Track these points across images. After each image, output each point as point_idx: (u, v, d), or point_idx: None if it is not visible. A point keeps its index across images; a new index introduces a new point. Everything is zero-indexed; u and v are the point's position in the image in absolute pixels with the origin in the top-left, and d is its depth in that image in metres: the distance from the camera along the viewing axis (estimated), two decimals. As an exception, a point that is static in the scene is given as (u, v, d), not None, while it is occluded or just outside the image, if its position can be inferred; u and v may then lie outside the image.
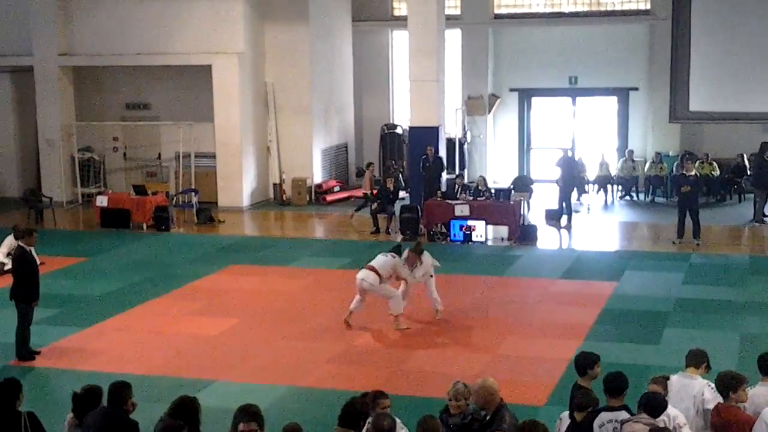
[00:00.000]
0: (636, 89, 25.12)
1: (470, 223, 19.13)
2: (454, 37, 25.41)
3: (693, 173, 18.84)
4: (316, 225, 22.47)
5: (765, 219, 20.55)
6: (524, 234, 19.19)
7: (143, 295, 15.36)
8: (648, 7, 24.95)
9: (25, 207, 22.54)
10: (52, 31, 23.86)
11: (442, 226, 19.45)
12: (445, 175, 21.53)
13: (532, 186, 22.34)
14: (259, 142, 24.02)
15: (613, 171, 24.13)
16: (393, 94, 27.20)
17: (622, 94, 25.35)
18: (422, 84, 20.91)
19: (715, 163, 23.38)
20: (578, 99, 25.89)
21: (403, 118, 26.16)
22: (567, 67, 25.39)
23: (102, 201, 21.40)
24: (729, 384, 7.17)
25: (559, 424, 7.33)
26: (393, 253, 13.48)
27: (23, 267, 12.29)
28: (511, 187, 21.87)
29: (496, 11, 26.06)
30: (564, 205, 20.80)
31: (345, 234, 20.93)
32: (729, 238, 19.57)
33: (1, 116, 25.49)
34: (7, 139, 25.50)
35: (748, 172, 22.77)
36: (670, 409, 7.04)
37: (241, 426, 6.51)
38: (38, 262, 12.73)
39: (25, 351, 12.27)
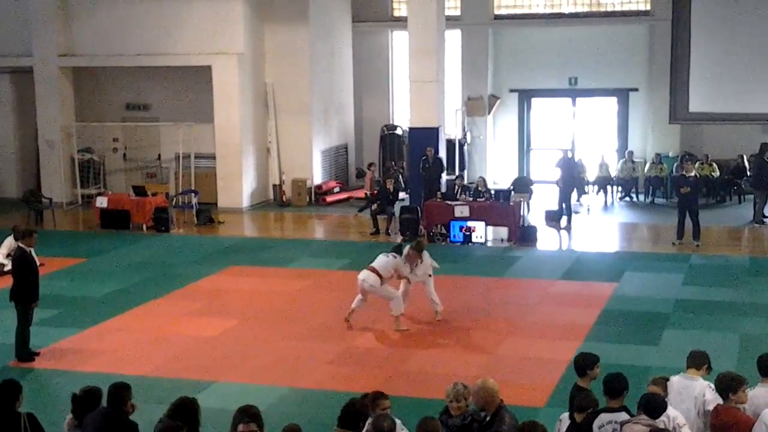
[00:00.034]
0: (636, 90, 25.12)
1: (470, 224, 19.13)
2: (454, 38, 25.41)
3: (693, 174, 18.84)
4: (315, 226, 22.47)
5: (765, 220, 20.56)
6: (524, 235, 19.19)
7: (143, 296, 15.36)
8: (648, 7, 24.96)
9: (24, 208, 22.53)
10: (52, 31, 23.87)
11: (442, 227, 19.45)
12: (444, 176, 21.53)
13: (531, 187, 22.36)
14: (259, 142, 24.02)
15: (613, 172, 24.13)
16: (393, 95, 27.20)
17: (622, 95, 25.35)
18: (422, 85, 20.92)
19: (714, 164, 23.37)
20: (578, 100, 25.89)
21: (403, 119, 26.16)
22: (567, 68, 25.39)
23: (102, 202, 21.40)
24: (728, 385, 7.17)
25: (559, 425, 7.33)
26: (394, 253, 13.48)
27: (23, 268, 12.29)
28: (511, 188, 21.87)
29: (496, 12, 26.06)
30: (564, 206, 20.81)
31: (345, 235, 20.94)
32: (729, 239, 19.57)
33: (0, 117, 25.49)
34: (7, 139, 25.51)
35: (748, 173, 22.76)
36: (670, 410, 7.04)
37: (240, 427, 6.51)
38: (38, 263, 12.72)
39: (24, 352, 12.26)
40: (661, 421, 6.82)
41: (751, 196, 21.46)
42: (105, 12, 23.77)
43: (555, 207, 20.99)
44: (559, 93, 25.84)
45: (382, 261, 13.36)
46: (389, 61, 27.04)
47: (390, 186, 20.66)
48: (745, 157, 23.34)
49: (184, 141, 23.12)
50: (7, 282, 13.21)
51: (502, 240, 19.33)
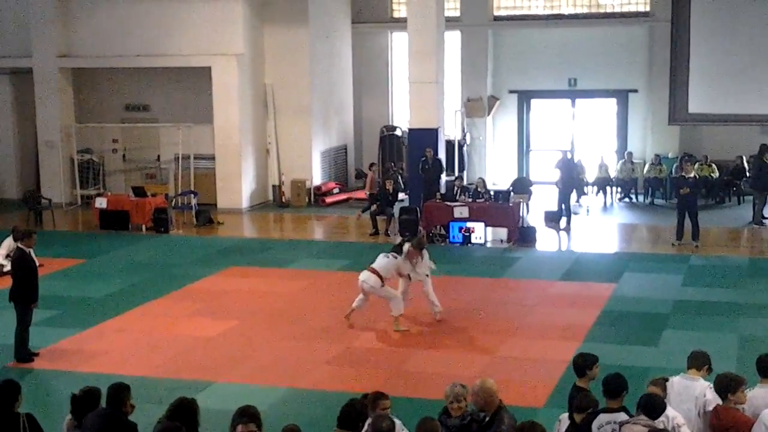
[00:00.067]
0: (635, 91, 25.12)
1: (469, 224, 19.13)
2: (453, 39, 25.41)
3: (692, 175, 18.84)
4: (315, 227, 22.48)
5: (764, 221, 20.56)
6: (523, 236, 19.19)
7: (142, 297, 15.36)
8: (647, 9, 24.97)
9: (24, 208, 22.53)
10: (51, 32, 23.88)
11: (441, 228, 19.46)
12: (444, 177, 21.54)
13: (531, 188, 22.37)
14: (259, 143, 24.02)
15: (613, 173, 24.14)
16: (392, 96, 27.20)
17: (622, 96, 25.35)
18: (422, 86, 20.92)
19: (714, 165, 23.37)
20: (577, 101, 25.90)
21: (402, 120, 26.16)
22: (566, 69, 25.40)
23: (101, 203, 21.40)
24: (728, 385, 7.17)
25: (558, 425, 7.33)
26: (394, 253, 13.49)
27: (22, 269, 12.29)
28: (511, 188, 21.88)
29: (496, 13, 26.07)
30: (563, 206, 20.81)
31: (344, 236, 20.94)
32: (728, 240, 19.58)
33: (0, 118, 25.48)
34: (7, 140, 25.50)
35: (747, 174, 22.76)
36: (669, 410, 7.04)
37: (239, 428, 6.51)
38: (37, 264, 12.71)
39: (24, 352, 12.26)
40: (660, 422, 6.82)
41: (751, 197, 21.46)
42: (104, 13, 23.78)
43: (554, 208, 21.00)
44: (559, 94, 25.85)
45: (382, 262, 13.37)
46: (389, 62, 27.05)
47: (389, 187, 20.67)
48: (744, 158, 23.34)
49: (183, 142, 23.12)
50: (7, 283, 13.22)
51: (501, 241, 19.33)
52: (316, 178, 24.64)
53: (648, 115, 25.03)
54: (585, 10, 25.54)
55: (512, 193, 20.85)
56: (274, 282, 16.43)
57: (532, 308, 14.57)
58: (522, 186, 22.27)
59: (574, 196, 21.97)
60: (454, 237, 19.21)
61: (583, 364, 7.73)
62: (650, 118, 24.93)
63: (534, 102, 26.35)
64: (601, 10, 25.51)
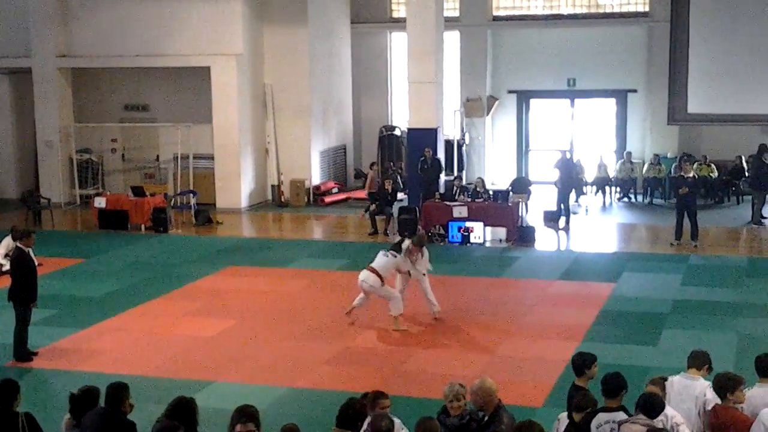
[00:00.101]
0: (634, 91, 25.14)
1: (468, 224, 19.13)
2: (452, 39, 25.42)
3: (691, 175, 18.84)
4: (314, 226, 22.48)
5: (763, 221, 20.57)
6: (522, 235, 19.20)
7: (141, 296, 15.36)
8: (646, 9, 24.97)
9: (23, 208, 22.53)
10: (50, 32, 23.88)
11: (440, 228, 19.46)
12: (443, 177, 21.55)
13: (530, 187, 22.37)
14: (258, 143, 24.02)
15: (612, 173, 24.15)
16: (391, 96, 27.20)
17: (621, 96, 25.37)
18: (421, 86, 20.93)
19: (713, 165, 23.38)
20: (577, 101, 25.91)
21: (401, 120, 26.16)
22: (565, 69, 25.41)
23: (100, 202, 21.41)
24: (726, 385, 7.17)
25: (557, 424, 7.33)
26: (393, 252, 13.50)
27: (21, 268, 12.29)
28: (510, 188, 21.89)
29: (495, 13, 26.07)
30: (562, 206, 20.81)
31: (343, 235, 20.95)
32: (727, 240, 19.58)
33: (-1, 117, 25.54)
34: (6, 140, 25.51)
35: (746, 174, 22.78)
36: (668, 409, 7.05)
37: (238, 427, 6.50)
38: (36, 263, 12.71)
39: (22, 352, 12.26)
40: (659, 421, 6.82)
41: (750, 197, 21.48)
42: (104, 13, 23.78)
43: (553, 207, 21.00)
44: (558, 94, 25.86)
45: (381, 261, 13.38)
46: (388, 62, 27.05)
47: (388, 186, 20.68)
48: (743, 157, 23.35)
49: (182, 141, 23.12)
50: (6, 282, 13.20)
51: (500, 240, 19.34)
52: (315, 177, 24.64)
53: (647, 115, 25.04)
54: (584, 10, 25.55)
55: (511, 193, 20.86)
56: (273, 281, 16.43)
57: (531, 308, 14.57)
58: (521, 186, 22.28)
59: (573, 195, 21.98)
60: (453, 237, 19.21)
61: (581, 363, 7.73)
62: (649, 118, 24.94)
63: (533, 102, 26.36)
64: (600, 10, 25.52)
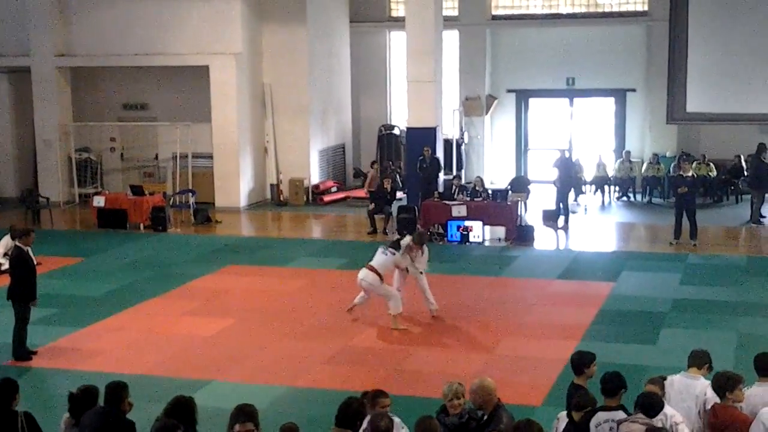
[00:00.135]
0: (633, 90, 25.14)
1: (467, 223, 19.13)
2: (451, 38, 25.41)
3: (690, 174, 18.85)
4: (313, 225, 22.48)
5: (762, 220, 20.59)
6: (521, 234, 19.20)
7: (140, 296, 15.36)
8: (645, 8, 24.97)
9: (22, 207, 22.54)
10: (49, 31, 23.87)
11: (439, 227, 19.47)
12: (442, 176, 21.55)
13: (529, 187, 22.36)
14: (257, 142, 24.02)
15: (611, 172, 24.15)
16: (390, 95, 27.21)
17: (620, 95, 25.37)
18: (420, 85, 20.93)
19: (712, 164, 23.38)
20: (575, 100, 25.91)
21: (400, 119, 26.17)
22: (564, 68, 25.41)
23: (99, 201, 21.40)
24: (725, 384, 7.17)
25: (557, 423, 7.34)
26: (392, 249, 13.51)
27: (20, 267, 12.28)
28: (509, 187, 21.88)
29: (494, 12, 26.07)
30: (561, 205, 20.81)
31: (342, 234, 20.95)
32: (726, 239, 19.59)
33: (-2, 117, 25.52)
34: (5, 139, 25.48)
35: (745, 173, 22.79)
36: (667, 408, 7.05)
37: (237, 427, 6.50)
38: (35, 262, 12.71)
39: (22, 351, 12.26)
40: (658, 420, 6.83)
41: (748, 196, 21.49)
42: (102, 12, 23.77)
43: (552, 207, 21.00)
44: (557, 93, 25.86)
45: (380, 259, 13.40)
46: (387, 61, 27.05)
47: (387, 185, 20.68)
48: (742, 157, 23.36)
49: (181, 140, 23.12)
50: (5, 281, 13.20)
51: (499, 239, 19.34)
52: (314, 176, 24.64)
53: (646, 114, 25.04)
54: (583, 10, 25.55)
55: (510, 192, 20.85)
56: (273, 280, 16.43)
57: (530, 307, 14.57)
58: (520, 185, 22.27)
59: (572, 195, 21.97)
60: (452, 236, 19.21)
61: (580, 362, 7.73)
62: (648, 117, 24.95)
63: (532, 101, 26.37)
64: (599, 10, 25.52)
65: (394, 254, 13.41)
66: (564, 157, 21.72)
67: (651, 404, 6.86)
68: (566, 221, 20.72)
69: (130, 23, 23.51)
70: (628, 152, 24.37)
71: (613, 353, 11.72)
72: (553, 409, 8.79)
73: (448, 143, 23.68)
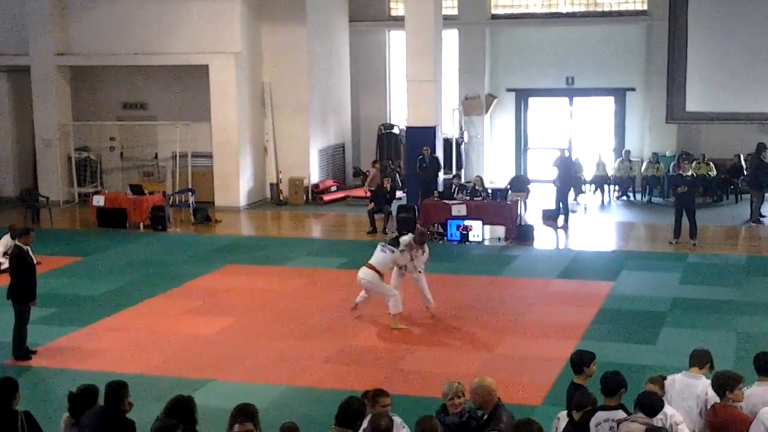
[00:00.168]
0: (633, 90, 25.14)
1: (467, 222, 19.14)
2: (451, 38, 25.41)
3: (690, 173, 18.85)
4: (312, 225, 22.48)
5: (761, 219, 20.59)
6: (521, 234, 19.20)
7: (140, 295, 15.35)
8: (645, 7, 24.97)
9: (21, 206, 22.53)
10: (48, 30, 23.85)
11: (439, 226, 19.47)
12: (441, 175, 21.54)
13: (529, 186, 22.36)
14: (256, 141, 24.01)
15: (610, 171, 24.14)
16: (390, 94, 27.20)
17: (619, 95, 25.37)
18: (419, 84, 20.92)
19: (711, 164, 23.38)
20: (575, 99, 25.91)
21: (400, 118, 26.16)
22: (564, 68, 25.41)
23: (99, 200, 21.39)
24: (725, 383, 7.18)
25: (557, 422, 7.34)
26: (390, 247, 13.52)
27: (20, 266, 12.28)
28: (508, 187, 21.84)
29: (493, 11, 26.07)
30: (561, 205, 20.81)
31: (342, 234, 20.95)
32: (726, 239, 19.59)
33: (-3, 116, 25.51)
34: (4, 138, 25.47)
35: (745, 173, 22.79)
36: (667, 408, 7.05)
37: (236, 427, 6.49)
38: (35, 262, 12.71)
39: (21, 350, 12.26)
40: (658, 420, 6.83)
41: (748, 196, 21.48)
42: (102, 11, 23.76)
43: (552, 206, 21.00)
44: (556, 92, 25.86)
45: (379, 257, 13.42)
46: (386, 60, 27.04)
47: (387, 185, 20.68)
48: (741, 156, 23.36)
49: (181, 140, 23.12)
50: (5, 280, 13.20)
51: (499, 239, 19.34)
52: (314, 176, 24.64)
53: (646, 113, 25.04)
54: (583, 9, 25.54)
55: (510, 192, 20.82)
56: (272, 280, 16.43)
57: (529, 306, 14.57)
58: (520, 184, 22.26)
59: (571, 194, 21.97)
60: (451, 235, 19.21)
61: (579, 361, 7.73)
62: (648, 117, 24.95)
63: (532, 100, 26.37)
64: (599, 9, 25.52)
65: (393, 251, 13.43)
66: (564, 157, 21.72)
67: (651, 404, 6.87)
68: (566, 221, 20.72)
69: (129, 22, 23.50)
70: (628, 151, 24.37)
71: (613, 353, 11.72)
72: (552, 409, 8.79)
73: (447, 142, 23.68)
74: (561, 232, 20.32)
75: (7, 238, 16.31)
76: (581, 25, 25.37)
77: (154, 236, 20.29)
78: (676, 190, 18.68)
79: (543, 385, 10.99)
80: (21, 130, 25.46)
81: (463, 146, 25.44)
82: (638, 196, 24.03)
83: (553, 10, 25.73)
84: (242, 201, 23.48)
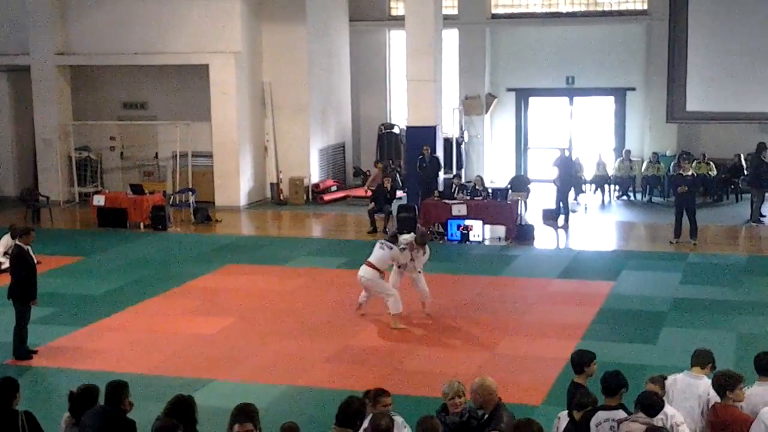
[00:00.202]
0: (633, 89, 25.14)
1: (467, 222, 19.13)
2: (451, 37, 25.40)
3: (690, 173, 18.84)
4: (313, 224, 22.47)
5: (762, 219, 20.59)
6: (521, 234, 19.19)
7: (140, 295, 15.35)
8: (645, 7, 24.96)
9: (22, 206, 22.53)
10: (49, 30, 23.85)
11: (439, 226, 19.47)
12: (442, 175, 21.54)
13: (529, 186, 22.36)
14: (257, 141, 24.01)
15: (611, 171, 24.14)
16: (390, 94, 27.20)
17: (620, 94, 25.37)
18: (419, 84, 20.92)
19: (712, 163, 23.38)
20: (575, 99, 25.90)
21: (400, 118, 26.16)
22: (564, 67, 25.41)
23: (99, 200, 21.39)
24: (726, 383, 7.18)
25: (558, 422, 7.34)
26: (390, 244, 13.52)
27: (21, 266, 12.28)
28: (509, 186, 21.85)
29: (494, 11, 26.06)
30: (561, 204, 20.81)
31: (342, 233, 20.95)
32: (726, 238, 19.59)
33: (-2, 116, 25.52)
34: (4, 138, 25.48)
35: (745, 172, 22.79)
36: (667, 408, 7.05)
37: (236, 427, 6.48)
38: (35, 261, 12.71)
39: (22, 350, 12.26)
40: (658, 420, 6.83)
41: (748, 195, 21.48)
42: (102, 10, 23.76)
43: (552, 206, 21.00)
44: (557, 92, 25.85)
45: (378, 254, 13.44)
46: (387, 60, 27.04)
47: (387, 185, 20.68)
48: (742, 156, 23.36)
49: (181, 139, 23.11)
50: (5, 280, 13.21)
51: (499, 239, 19.33)
52: (314, 175, 24.64)
53: (646, 113, 25.04)
54: (583, 8, 25.54)
55: (510, 191, 20.83)
56: (273, 280, 16.43)
57: (530, 306, 14.57)
58: (520, 184, 22.26)
59: (572, 194, 21.97)
60: (452, 235, 19.21)
61: (580, 360, 7.73)
62: (648, 116, 24.94)
63: (532, 100, 26.36)
64: (599, 9, 25.51)
65: (392, 248, 13.44)
66: (564, 156, 21.71)
67: (651, 404, 6.87)
68: (566, 220, 20.71)
69: (129, 22, 23.50)
70: (628, 151, 24.37)
71: (613, 352, 11.72)
72: (553, 409, 8.79)
73: (448, 142, 23.67)
74: (561, 231, 20.32)
75: (7, 238, 16.31)
76: (581, 25, 25.37)
77: (155, 236, 20.29)
78: (676, 189, 18.67)
79: (543, 385, 10.98)
80: (21, 130, 25.47)
81: (463, 146, 25.44)
82: (638, 196, 24.02)
83: (553, 9, 25.73)
84: (242, 201, 23.48)
